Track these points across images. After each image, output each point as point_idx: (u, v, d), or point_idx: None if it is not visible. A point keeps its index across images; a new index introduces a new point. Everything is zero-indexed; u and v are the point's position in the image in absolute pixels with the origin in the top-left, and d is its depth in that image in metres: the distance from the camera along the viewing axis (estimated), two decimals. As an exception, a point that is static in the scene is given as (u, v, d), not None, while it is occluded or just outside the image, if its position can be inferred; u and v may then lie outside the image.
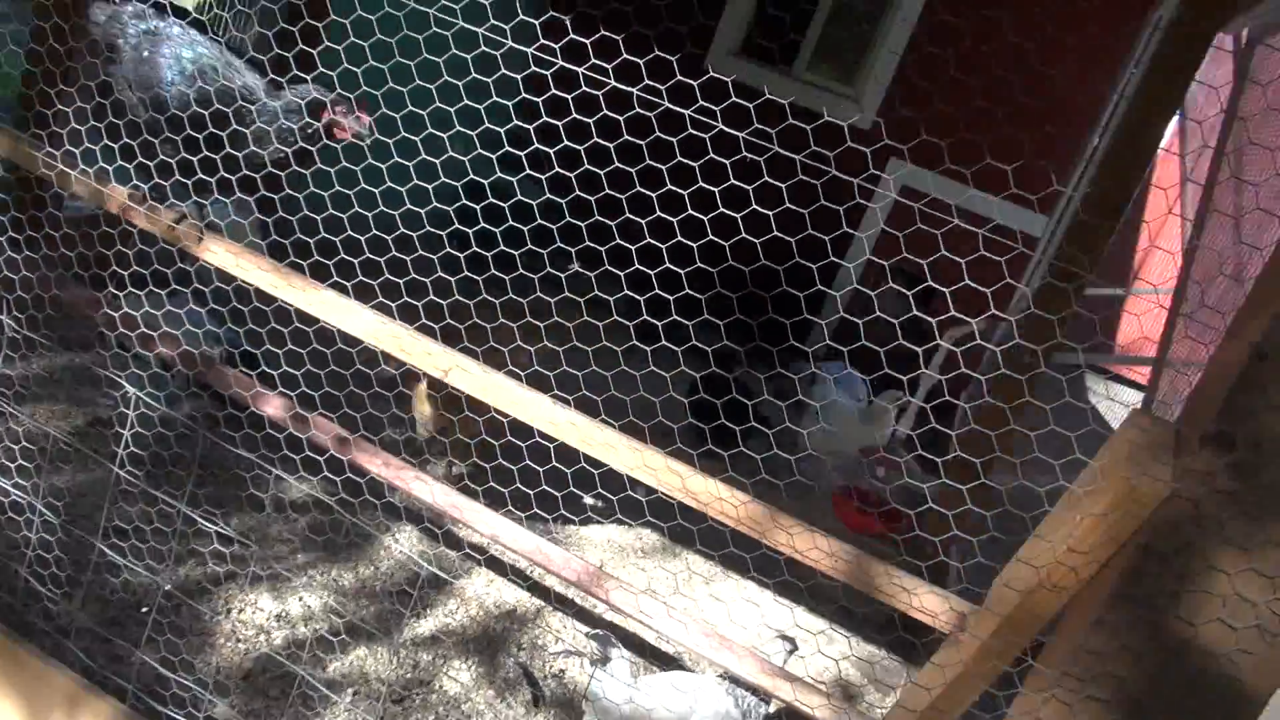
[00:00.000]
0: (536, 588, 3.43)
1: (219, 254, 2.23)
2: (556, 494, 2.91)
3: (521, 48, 2.29)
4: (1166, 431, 1.43)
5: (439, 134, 2.63)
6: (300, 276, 2.20)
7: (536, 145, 2.41)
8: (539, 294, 2.63)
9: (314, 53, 2.76)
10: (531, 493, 2.62)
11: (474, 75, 2.57)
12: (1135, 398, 10.12)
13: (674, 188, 2.12)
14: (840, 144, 2.19)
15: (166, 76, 2.24)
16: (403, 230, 2.87)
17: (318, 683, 2.67)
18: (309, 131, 2.28)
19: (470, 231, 2.72)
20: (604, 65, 1.94)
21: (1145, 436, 1.42)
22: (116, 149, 2.33)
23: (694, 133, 2.02)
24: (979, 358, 4.88)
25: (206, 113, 2.24)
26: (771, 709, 2.73)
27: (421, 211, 2.87)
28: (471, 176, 3.17)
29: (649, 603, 2.37)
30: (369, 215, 2.67)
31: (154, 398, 2.82)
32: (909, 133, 2.02)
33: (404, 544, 3.41)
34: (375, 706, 2.67)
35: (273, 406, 2.58)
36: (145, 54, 2.21)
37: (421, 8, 2.27)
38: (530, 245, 2.82)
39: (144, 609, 2.67)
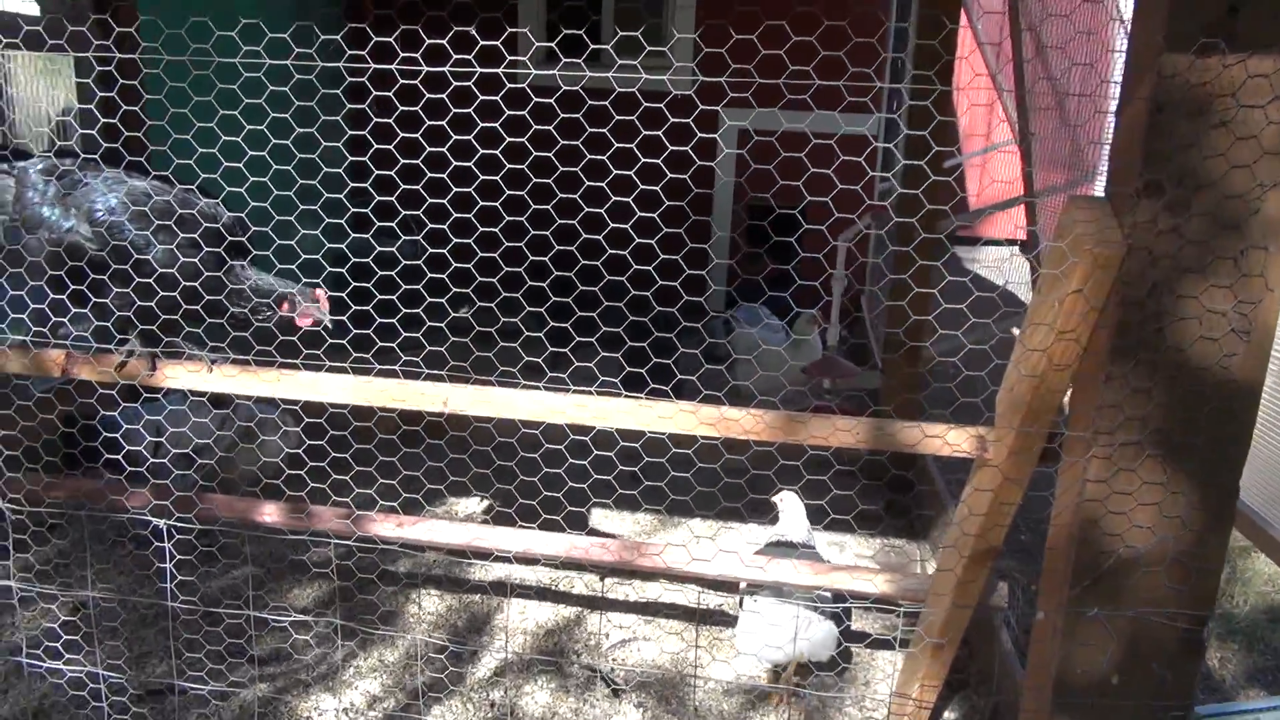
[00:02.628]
0: (565, 597, 3.49)
1: (180, 376, 2.23)
2: (561, 501, 2.99)
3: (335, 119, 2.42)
4: (1103, 203, 1.64)
5: (306, 228, 2.69)
6: (268, 367, 2.22)
7: (403, 212, 2.53)
8: (454, 338, 2.74)
9: (140, 135, 2.76)
10: (536, 503, 2.70)
11: (300, 157, 2.64)
12: (1004, 253, 10.77)
13: (538, 205, 2.31)
14: (674, 110, 2.41)
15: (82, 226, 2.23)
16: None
17: (411, 752, 2.68)
18: (273, 319, 2.37)
19: (369, 307, 2.78)
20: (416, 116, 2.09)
21: (1089, 213, 1.62)
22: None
23: (538, 154, 2.22)
24: (879, 251, 5.17)
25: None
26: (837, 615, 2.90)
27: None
28: (354, 260, 3.24)
29: (698, 550, 2.49)
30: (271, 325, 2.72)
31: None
32: (730, 78, 2.24)
33: (429, 604, 3.42)
34: (473, 752, 2.70)
35: (271, 514, 2.58)
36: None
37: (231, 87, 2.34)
38: (429, 298, 2.90)
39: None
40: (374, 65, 2.00)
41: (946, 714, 2.94)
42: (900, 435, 2.04)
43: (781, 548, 3.10)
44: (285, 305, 2.43)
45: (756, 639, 2.87)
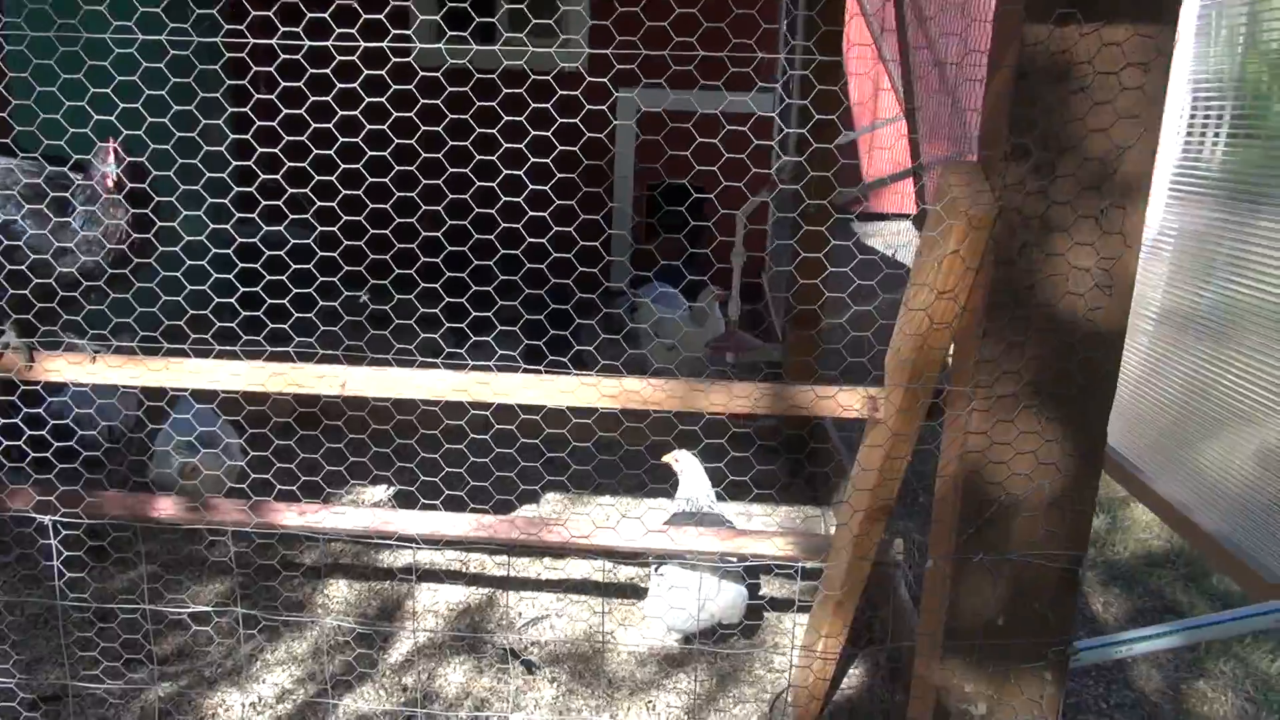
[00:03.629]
0: (476, 578, 3.49)
1: (61, 368, 2.14)
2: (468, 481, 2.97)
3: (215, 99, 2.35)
4: (975, 167, 1.72)
5: (192, 211, 2.60)
6: (156, 357, 2.15)
7: (289, 190, 2.46)
8: (350, 318, 2.70)
9: (4, 115, 2.62)
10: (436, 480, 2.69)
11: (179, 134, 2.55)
12: (898, 227, 11.09)
13: (428, 180, 2.29)
14: (566, 88, 2.42)
15: None
16: (192, 312, 2.82)
17: (323, 741, 2.65)
18: (103, 202, 2.20)
19: (259, 289, 2.71)
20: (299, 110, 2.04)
21: (963, 177, 1.69)
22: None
23: (427, 128, 2.20)
24: (778, 228, 5.26)
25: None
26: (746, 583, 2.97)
27: (205, 288, 2.82)
28: (240, 240, 3.14)
29: (603, 521, 2.51)
30: (156, 310, 2.62)
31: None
32: (623, 57, 2.29)
33: (336, 593, 3.37)
34: (387, 737, 2.68)
35: (165, 508, 2.50)
36: None
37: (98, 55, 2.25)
38: (320, 278, 2.83)
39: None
40: (253, 40, 1.95)
41: (851, 669, 3.06)
42: (796, 398, 2.10)
43: (689, 516, 3.16)
44: (81, 176, 2.25)
45: (666, 608, 2.93)
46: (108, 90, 2.35)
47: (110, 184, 2.17)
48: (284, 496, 2.61)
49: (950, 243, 1.68)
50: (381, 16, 2.12)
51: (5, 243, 2.08)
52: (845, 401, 2.08)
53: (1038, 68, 1.58)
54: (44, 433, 2.35)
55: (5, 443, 2.32)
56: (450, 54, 2.39)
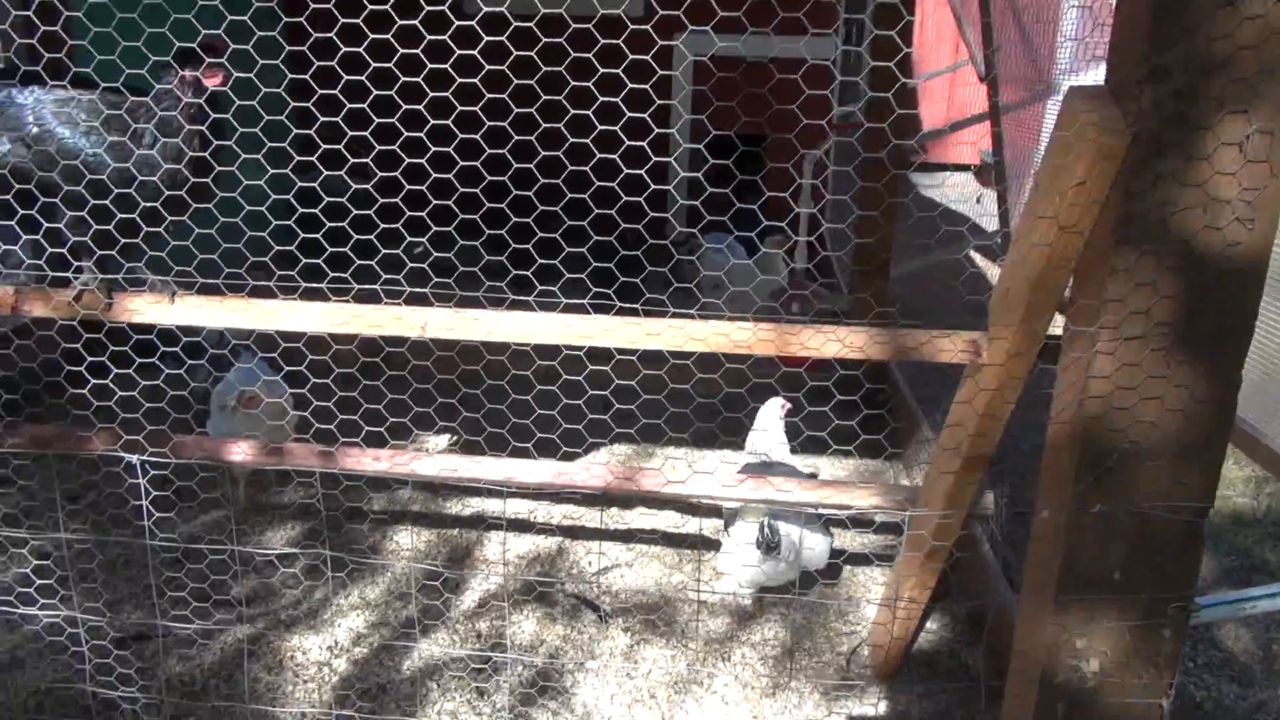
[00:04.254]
0: (544, 529, 3.47)
1: (142, 309, 2.11)
2: (533, 433, 2.93)
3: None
4: (1105, 92, 1.59)
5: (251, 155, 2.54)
6: (235, 297, 2.12)
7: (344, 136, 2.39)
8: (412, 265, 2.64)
9: (62, 56, 2.58)
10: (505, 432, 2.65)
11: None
12: (959, 179, 10.80)
13: (492, 122, 2.19)
14: (622, 34, 2.31)
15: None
16: (252, 259, 2.78)
17: (401, 686, 2.66)
18: (190, 112, 2.16)
19: (320, 236, 2.66)
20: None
21: (1092, 103, 1.57)
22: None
23: (491, 67, 2.10)
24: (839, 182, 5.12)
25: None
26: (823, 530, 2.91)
27: (264, 234, 2.77)
28: (300, 184, 3.09)
29: (690, 471, 2.45)
30: (215, 257, 2.58)
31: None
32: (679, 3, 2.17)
33: (406, 540, 3.37)
34: (464, 682, 2.68)
35: (243, 452, 2.49)
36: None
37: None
38: (383, 225, 2.76)
39: (200, 686, 2.58)
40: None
41: (928, 624, 2.99)
42: (895, 343, 2.01)
43: (760, 468, 3.09)
44: (177, 81, 2.20)
45: (741, 561, 2.87)
46: (164, 30, 2.29)
47: (191, 112, 2.14)
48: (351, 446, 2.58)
49: (1077, 173, 1.57)
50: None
51: (88, 176, 2.05)
52: (944, 346, 1.98)
53: (1182, -21, 1.44)
54: (160, 382, 2.33)
55: (93, 381, 2.31)
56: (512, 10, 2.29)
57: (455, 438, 4.03)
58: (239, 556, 2.96)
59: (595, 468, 2.56)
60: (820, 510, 2.82)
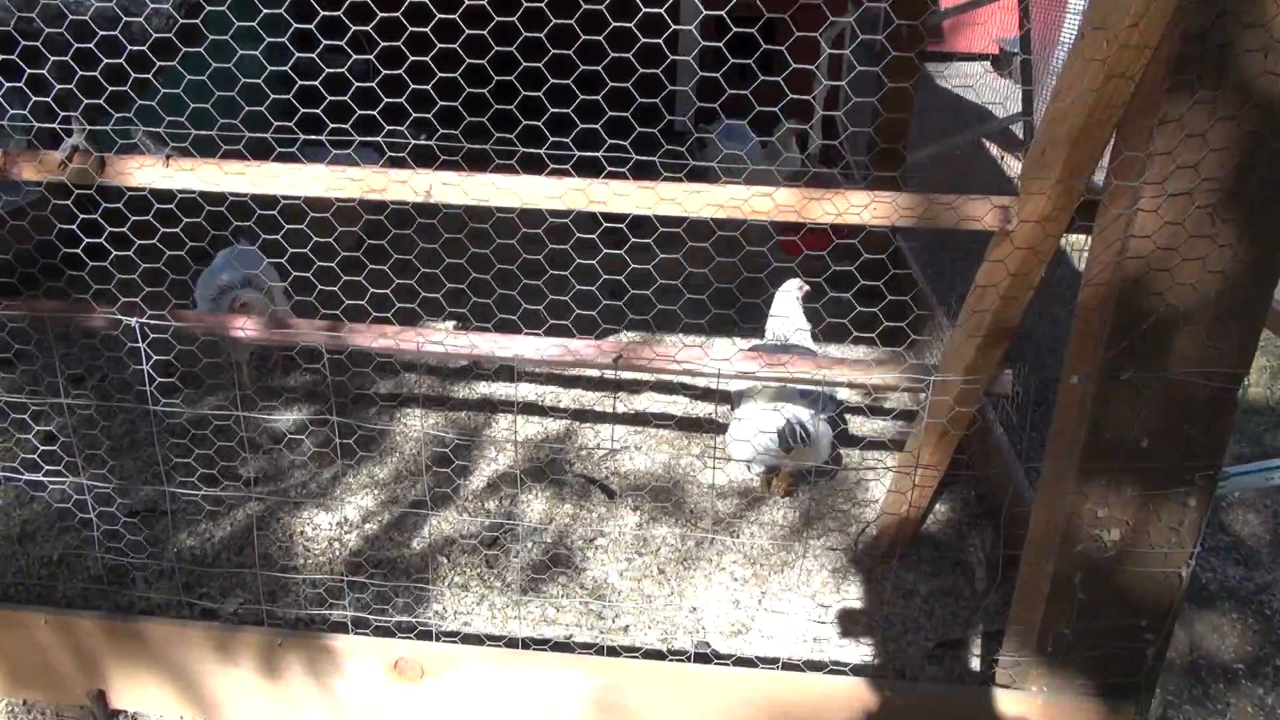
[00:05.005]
0: (553, 411, 3.44)
1: (136, 173, 2.02)
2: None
3: None
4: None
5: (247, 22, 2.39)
6: (238, 160, 2.03)
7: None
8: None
9: None
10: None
11: None
12: (975, 69, 10.47)
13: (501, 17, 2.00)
14: None
15: None
16: (249, 135, 2.64)
17: (412, 560, 2.67)
18: None
19: (323, 138, 2.52)
20: None
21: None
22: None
23: None
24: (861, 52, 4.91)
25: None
26: (837, 406, 2.87)
27: (261, 109, 2.62)
28: (297, 55, 2.92)
29: (693, 351, 2.39)
30: (214, 135, 2.45)
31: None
32: None
33: (414, 422, 3.35)
34: (474, 558, 2.69)
35: (249, 327, 2.43)
36: None
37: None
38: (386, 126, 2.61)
39: (211, 562, 2.59)
40: None
41: (936, 507, 2.98)
42: (923, 208, 1.92)
43: (777, 349, 3.04)
44: None
45: (749, 443, 2.84)
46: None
47: None
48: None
49: (1131, 11, 1.45)
50: None
51: (71, 17, 1.93)
52: (973, 211, 1.90)
53: None
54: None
55: (90, 264, 2.23)
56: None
57: (463, 324, 3.97)
58: (246, 431, 2.93)
59: (605, 344, 2.50)
60: (825, 399, 2.78)
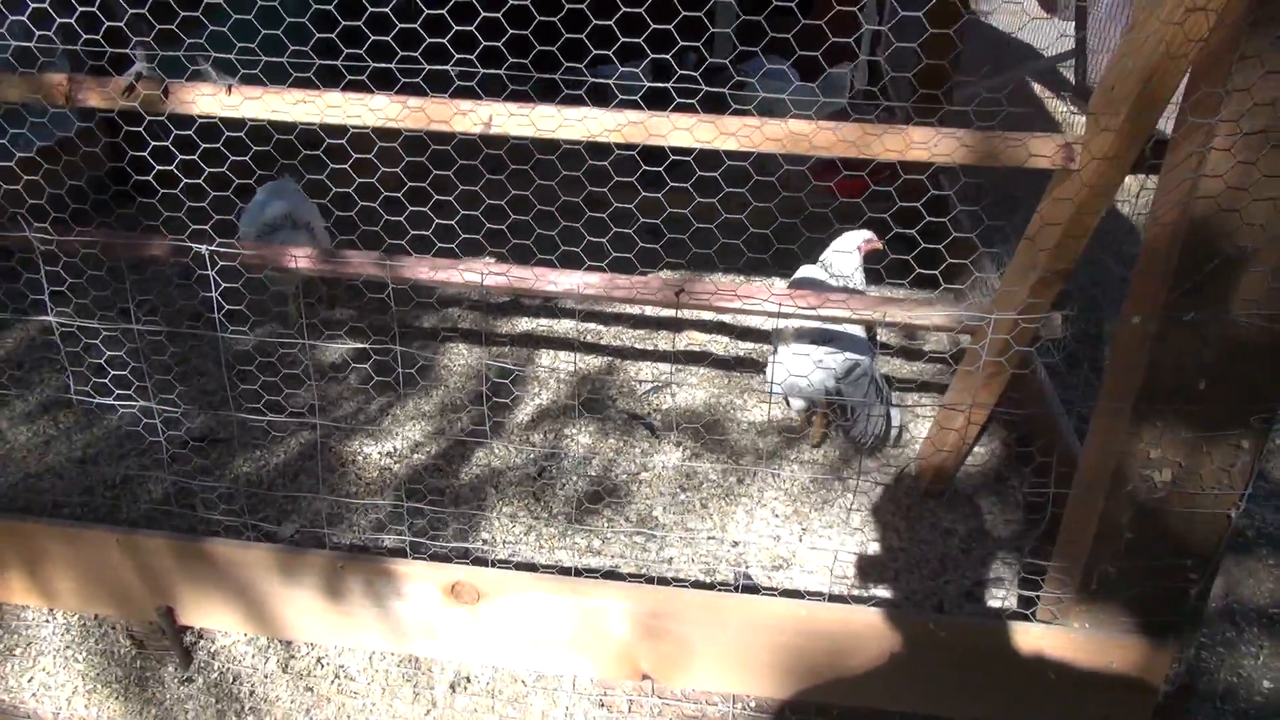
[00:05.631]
0: (594, 348, 3.47)
1: (199, 101, 2.04)
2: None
3: None
4: None
5: None
6: (299, 89, 2.04)
7: None
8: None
9: None
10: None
11: None
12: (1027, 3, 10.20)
13: None
14: None
15: None
16: (295, 76, 2.63)
17: (460, 490, 2.73)
18: None
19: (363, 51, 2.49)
20: None
21: None
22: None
23: None
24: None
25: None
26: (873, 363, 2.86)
27: (307, 49, 2.61)
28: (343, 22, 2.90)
29: (754, 286, 2.41)
30: (259, 74, 2.46)
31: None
32: None
33: (459, 357, 3.39)
34: (522, 489, 2.74)
35: (303, 258, 2.47)
36: None
37: None
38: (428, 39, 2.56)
39: (268, 486, 2.67)
40: None
41: (975, 449, 3.00)
42: (985, 146, 1.91)
43: (815, 282, 3.03)
44: None
45: (787, 376, 2.85)
46: None
47: None
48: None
49: (1214, -56, 1.43)
50: None
51: None
52: (1038, 149, 1.88)
53: None
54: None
55: (161, 191, 2.25)
56: None
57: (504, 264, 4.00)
58: (300, 359, 2.98)
59: (669, 278, 2.52)
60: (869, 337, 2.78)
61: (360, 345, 3.24)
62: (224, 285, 2.08)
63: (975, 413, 2.49)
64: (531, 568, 2.41)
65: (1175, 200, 1.60)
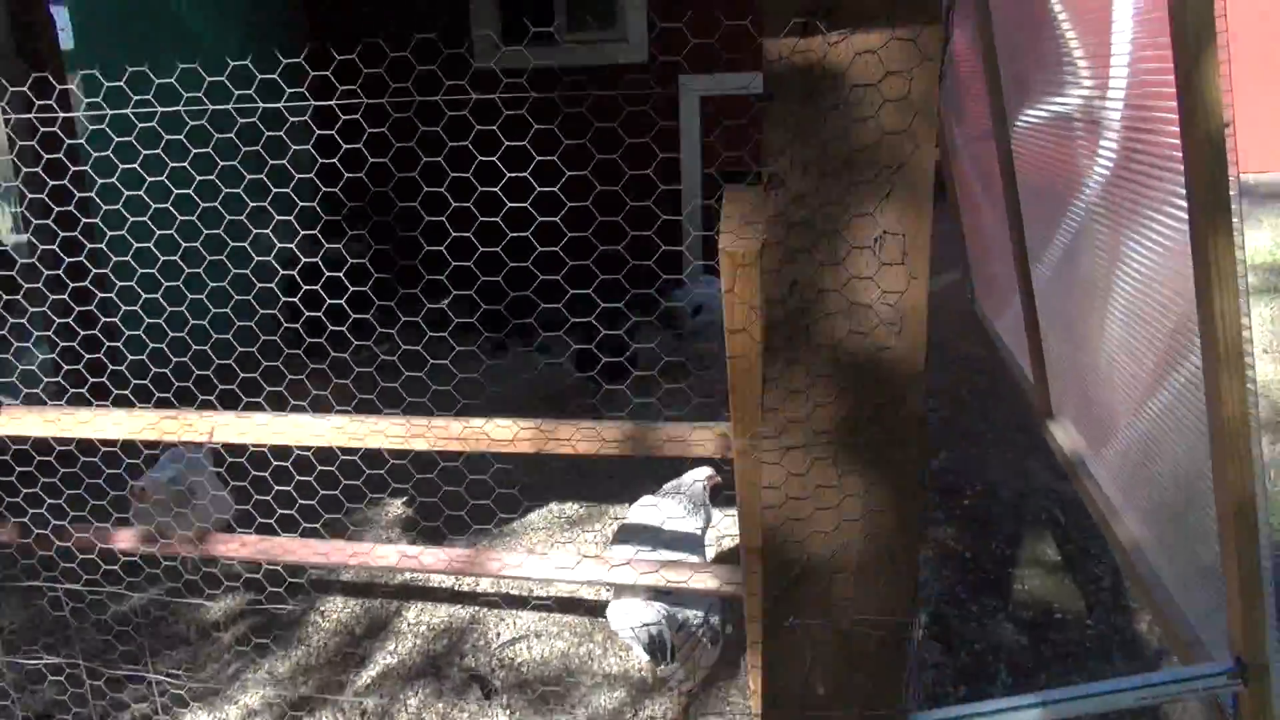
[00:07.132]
0: (466, 597, 3.51)
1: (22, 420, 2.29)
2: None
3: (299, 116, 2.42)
4: (746, 196, 1.55)
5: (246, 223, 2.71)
6: (54, 407, 2.27)
7: (349, 205, 2.50)
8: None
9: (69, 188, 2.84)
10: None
11: (271, 162, 2.63)
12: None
13: (486, 188, 2.17)
14: (625, 82, 2.30)
15: None
16: (264, 338, 2.92)
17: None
18: None
19: (321, 314, 2.72)
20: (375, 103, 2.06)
21: (736, 206, 1.53)
22: None
23: (482, 128, 2.13)
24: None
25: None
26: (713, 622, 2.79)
27: (249, 298, 2.89)
28: (304, 260, 3.23)
29: (535, 561, 2.46)
30: (205, 323, 2.77)
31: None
32: (681, 46, 2.13)
33: (330, 615, 3.48)
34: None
35: (171, 545, 2.64)
36: None
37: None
38: (378, 302, 2.70)
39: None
40: (313, 103, 2.02)
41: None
42: (647, 438, 1.98)
43: (636, 531, 2.99)
44: None
45: (630, 637, 2.79)
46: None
47: None
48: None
49: (725, 281, 1.53)
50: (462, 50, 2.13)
51: None
52: (698, 439, 1.94)
53: (784, 87, 1.40)
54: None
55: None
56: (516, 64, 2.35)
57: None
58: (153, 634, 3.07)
59: (439, 551, 2.60)
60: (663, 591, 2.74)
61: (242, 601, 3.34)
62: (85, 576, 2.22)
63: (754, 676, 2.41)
64: None
65: (750, 510, 1.63)
